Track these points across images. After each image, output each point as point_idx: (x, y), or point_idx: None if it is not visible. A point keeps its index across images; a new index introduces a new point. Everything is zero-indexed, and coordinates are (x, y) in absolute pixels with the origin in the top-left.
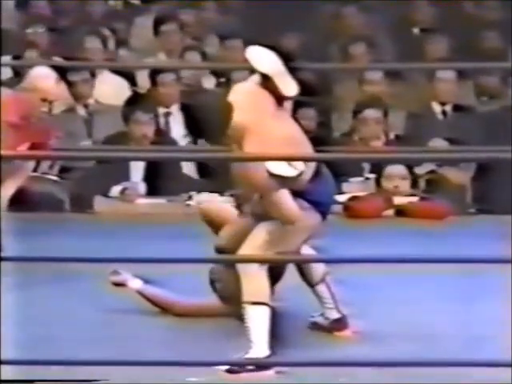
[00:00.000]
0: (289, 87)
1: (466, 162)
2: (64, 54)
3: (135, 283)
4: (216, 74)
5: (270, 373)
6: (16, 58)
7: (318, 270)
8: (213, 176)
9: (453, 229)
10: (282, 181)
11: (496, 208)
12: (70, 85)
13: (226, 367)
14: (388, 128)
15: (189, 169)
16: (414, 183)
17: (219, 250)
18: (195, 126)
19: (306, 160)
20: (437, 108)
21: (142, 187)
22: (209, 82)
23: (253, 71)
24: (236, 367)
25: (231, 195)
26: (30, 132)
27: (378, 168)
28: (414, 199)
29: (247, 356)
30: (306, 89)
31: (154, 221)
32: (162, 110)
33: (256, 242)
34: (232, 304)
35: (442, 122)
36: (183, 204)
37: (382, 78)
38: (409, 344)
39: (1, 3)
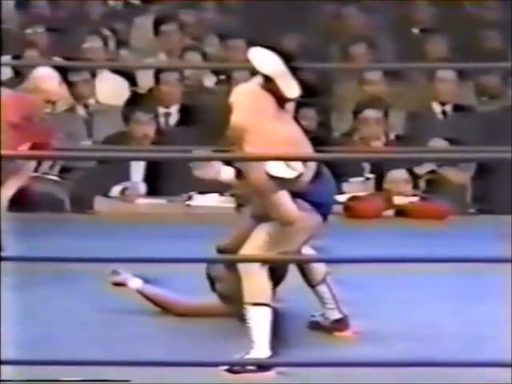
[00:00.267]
0: (291, 89)
1: (466, 162)
2: (64, 54)
3: (135, 283)
4: (216, 72)
5: (271, 373)
6: (16, 57)
7: (318, 270)
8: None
9: (453, 229)
10: (281, 182)
11: (496, 208)
12: (70, 85)
13: (227, 367)
14: (388, 128)
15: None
16: (414, 183)
17: (220, 251)
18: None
19: (305, 160)
20: (437, 108)
21: (143, 187)
22: (209, 81)
23: (254, 71)
24: (237, 367)
25: (231, 195)
26: (31, 132)
27: (378, 168)
28: (414, 199)
29: (248, 356)
30: (307, 90)
31: (154, 221)
32: (162, 110)
33: (257, 242)
34: (232, 304)
35: (442, 122)
36: (183, 204)
37: (382, 78)
38: (409, 344)
39: (1, 3)
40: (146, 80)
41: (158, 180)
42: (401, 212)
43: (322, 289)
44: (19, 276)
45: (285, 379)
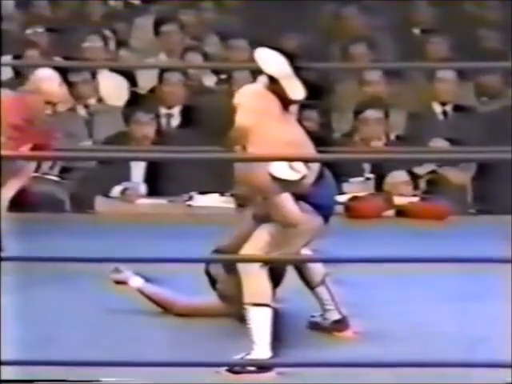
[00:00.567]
0: (296, 91)
1: (466, 163)
2: (64, 55)
3: (136, 281)
4: (216, 71)
5: (271, 374)
6: (16, 58)
7: (317, 272)
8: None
9: (453, 229)
10: (285, 184)
11: (496, 208)
12: (71, 85)
13: (227, 367)
14: (389, 128)
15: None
16: (415, 184)
17: (221, 251)
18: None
19: (306, 161)
20: (437, 108)
21: (143, 187)
22: (209, 80)
23: (254, 71)
24: (237, 367)
25: (232, 195)
26: (31, 134)
27: (378, 168)
28: (415, 199)
29: (249, 357)
30: (312, 91)
31: (154, 221)
32: (164, 111)
33: (258, 243)
34: (232, 304)
35: (442, 123)
36: (184, 204)
37: (383, 79)
38: (409, 344)
39: (1, 3)
40: (146, 80)
41: (158, 180)
42: (401, 212)
43: (321, 290)
44: (19, 276)
45: (285, 379)
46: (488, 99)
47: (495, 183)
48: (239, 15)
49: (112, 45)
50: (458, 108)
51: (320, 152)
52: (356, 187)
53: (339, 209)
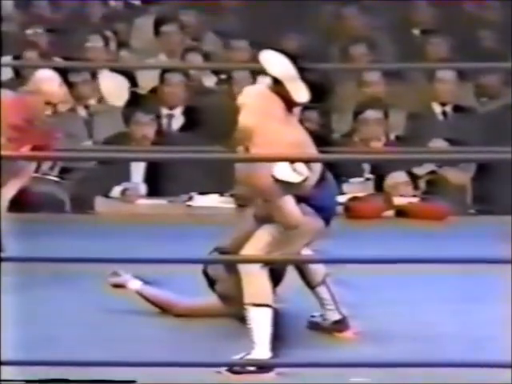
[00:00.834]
0: (300, 93)
1: (466, 163)
2: (64, 55)
3: (135, 284)
4: (216, 72)
5: (271, 374)
6: (16, 58)
7: (317, 272)
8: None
9: (453, 229)
10: (287, 186)
11: (496, 208)
12: (71, 86)
13: (227, 367)
14: (388, 129)
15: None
16: (415, 184)
17: (221, 252)
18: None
19: (306, 161)
20: (437, 109)
21: (143, 188)
22: (209, 81)
23: (254, 71)
24: (237, 368)
25: (231, 195)
26: (32, 134)
27: (378, 169)
28: (415, 200)
29: (249, 357)
30: (316, 93)
31: (154, 221)
32: (165, 112)
33: (258, 244)
34: (232, 304)
35: (442, 123)
36: (184, 205)
37: (382, 79)
38: (409, 344)
39: (1, 3)
40: (146, 81)
41: (158, 181)
42: (401, 212)
43: (322, 290)
44: (19, 276)
45: (285, 380)
46: (488, 100)
47: (495, 183)
48: (239, 15)
49: (112, 45)
50: (457, 108)
51: (320, 152)
52: (356, 188)
53: (339, 209)
